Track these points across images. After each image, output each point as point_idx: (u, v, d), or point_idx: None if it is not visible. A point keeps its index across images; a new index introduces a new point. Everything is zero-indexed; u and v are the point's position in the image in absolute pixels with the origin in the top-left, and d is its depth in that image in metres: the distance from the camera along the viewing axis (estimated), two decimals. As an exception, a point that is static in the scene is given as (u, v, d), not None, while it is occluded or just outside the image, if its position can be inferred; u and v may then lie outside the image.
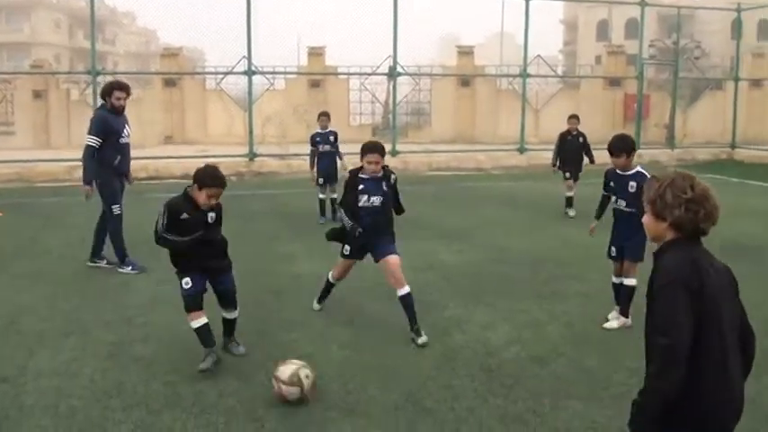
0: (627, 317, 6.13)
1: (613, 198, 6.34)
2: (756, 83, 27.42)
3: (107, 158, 7.98)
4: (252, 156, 18.41)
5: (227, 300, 5.50)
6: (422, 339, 5.69)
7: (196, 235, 5.21)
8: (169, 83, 24.55)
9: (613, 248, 6.33)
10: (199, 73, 25.88)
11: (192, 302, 5.22)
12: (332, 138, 11.34)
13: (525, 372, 5.13)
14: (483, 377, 5.04)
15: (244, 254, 8.86)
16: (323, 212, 11.27)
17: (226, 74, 22.19)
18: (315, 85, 26.53)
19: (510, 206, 13.11)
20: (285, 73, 25.98)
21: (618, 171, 6.31)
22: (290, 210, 12.50)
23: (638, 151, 21.17)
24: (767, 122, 27.54)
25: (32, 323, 6.24)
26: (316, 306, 6.65)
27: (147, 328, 6.08)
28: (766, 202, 14.22)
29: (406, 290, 5.87)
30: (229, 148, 19.80)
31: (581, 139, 12.35)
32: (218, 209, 5.47)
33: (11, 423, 4.38)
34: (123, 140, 8.15)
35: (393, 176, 6.27)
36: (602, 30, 59.38)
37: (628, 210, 6.15)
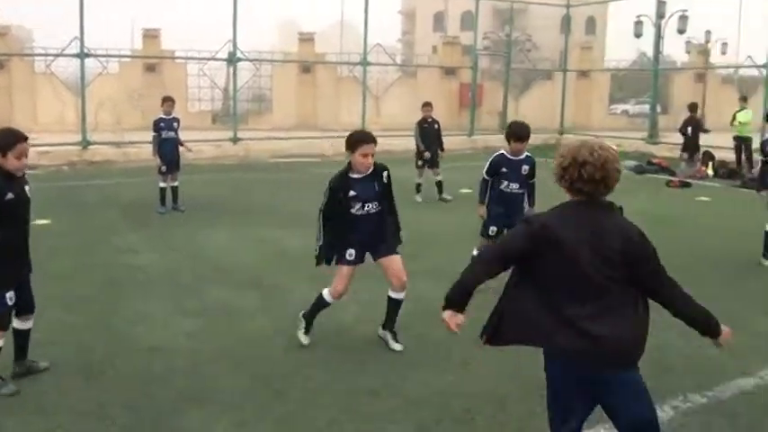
0: None
1: (504, 182, 6.71)
2: (583, 74, 29.55)
3: None
4: (85, 144, 17.43)
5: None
6: (397, 346, 5.30)
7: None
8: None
9: (494, 228, 6.75)
10: (28, 54, 24.07)
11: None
12: (176, 124, 11.05)
13: (375, 348, 5.30)
14: (334, 355, 5.15)
15: (79, 247, 8.48)
16: (163, 202, 10.92)
17: (56, 56, 20.76)
18: (150, 69, 25.52)
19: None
20: (120, 56, 24.77)
21: (510, 156, 6.70)
22: (128, 200, 11.98)
23: (473, 136, 22.37)
24: (593, 110, 29.86)
25: None
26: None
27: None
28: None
29: (402, 295, 5.38)
30: (61, 135, 18.67)
31: (436, 126, 12.83)
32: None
33: None
34: None
35: (386, 172, 5.44)
36: (439, 21, 61.41)
37: (519, 191, 6.71)
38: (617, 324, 2.87)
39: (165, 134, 10.88)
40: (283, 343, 5.39)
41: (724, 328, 3.15)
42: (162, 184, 10.94)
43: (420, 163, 12.64)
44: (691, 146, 16.32)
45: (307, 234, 9.17)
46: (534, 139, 23.55)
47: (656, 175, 17.03)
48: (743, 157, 17.26)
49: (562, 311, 2.90)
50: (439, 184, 12.63)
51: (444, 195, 12.60)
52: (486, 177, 6.87)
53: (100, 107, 20.90)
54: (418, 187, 12.54)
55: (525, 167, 6.70)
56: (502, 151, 6.80)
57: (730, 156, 17.65)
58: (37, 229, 9.32)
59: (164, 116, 10.96)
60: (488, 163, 6.86)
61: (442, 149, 12.84)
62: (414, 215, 10.91)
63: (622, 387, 2.94)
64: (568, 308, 2.89)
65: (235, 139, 19.34)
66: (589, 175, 2.90)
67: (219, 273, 7.34)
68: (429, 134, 12.71)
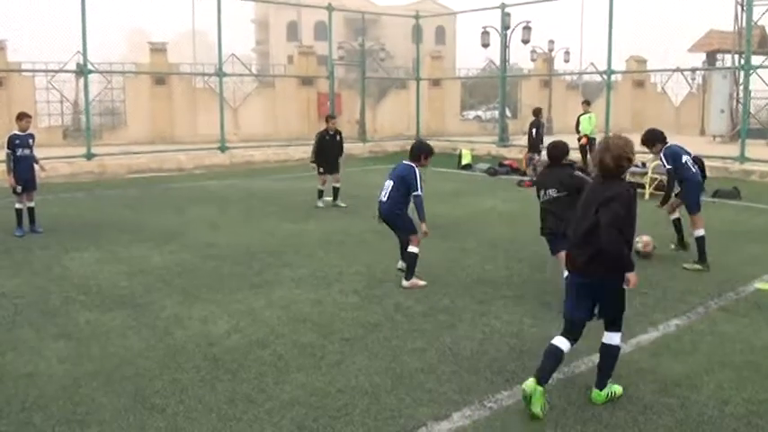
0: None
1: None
2: (436, 82, 30.77)
3: None
4: None
5: None
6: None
7: None
8: None
9: None
10: None
11: None
12: (31, 141, 10.59)
13: (248, 355, 5.49)
14: (208, 366, 5.29)
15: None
16: (20, 224, 10.45)
17: None
18: (-6, 83, 24.04)
19: (216, 204, 13.31)
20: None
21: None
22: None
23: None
24: (446, 116, 31.17)
25: None
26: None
27: None
28: (449, 185, 16.16)
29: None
30: None
31: (338, 137, 13.45)
32: None
33: None
34: None
35: None
36: (293, 31, 61.59)
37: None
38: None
39: (20, 152, 10.41)
40: (156, 359, 5.46)
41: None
42: (18, 206, 10.49)
43: (321, 170, 13.21)
44: (535, 146, 17.56)
45: (172, 250, 9.24)
46: (392, 146, 24.40)
47: (507, 176, 18.12)
48: (588, 157, 18.72)
49: None
50: (335, 190, 13.19)
51: (338, 202, 13.13)
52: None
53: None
54: (320, 193, 13.11)
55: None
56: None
57: (577, 155, 19.05)
58: None
59: (19, 132, 10.48)
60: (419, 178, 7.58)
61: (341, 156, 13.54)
62: (271, 224, 11.13)
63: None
64: None
65: (89, 155, 18.64)
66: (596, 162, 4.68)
67: (87, 294, 7.22)
68: (330, 145, 13.31)
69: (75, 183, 17.11)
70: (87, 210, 12.94)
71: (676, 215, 9.15)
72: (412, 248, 7.53)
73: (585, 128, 18.59)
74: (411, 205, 7.64)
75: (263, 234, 10.37)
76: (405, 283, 7.47)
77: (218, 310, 6.65)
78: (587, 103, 19.54)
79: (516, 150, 22.34)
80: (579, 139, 18.91)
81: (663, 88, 36.04)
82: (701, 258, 8.32)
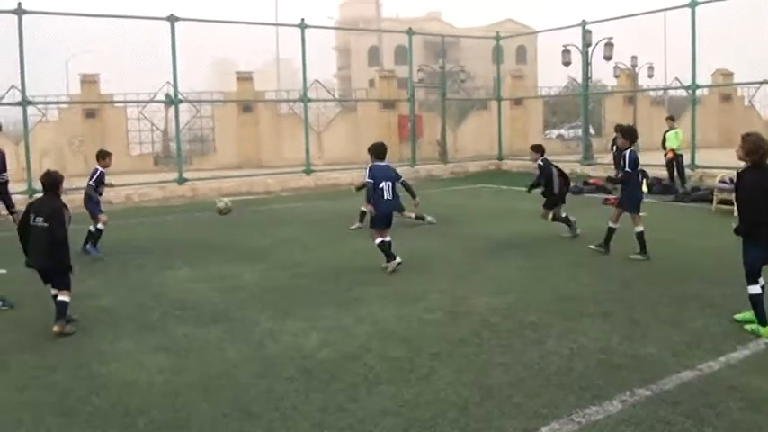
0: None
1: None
2: (518, 101, 30.65)
3: None
4: (31, 192, 17.29)
5: None
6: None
7: None
8: (-69, 118, 22.20)
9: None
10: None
11: None
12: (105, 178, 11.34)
13: (339, 368, 5.63)
14: (301, 377, 5.46)
15: (37, 293, 8.52)
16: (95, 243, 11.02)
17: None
18: (91, 114, 25.45)
19: (303, 225, 13.65)
20: (63, 102, 24.70)
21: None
22: (79, 246, 11.99)
23: (416, 167, 22.96)
24: (529, 136, 30.91)
25: None
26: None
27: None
28: (533, 204, 16.00)
29: None
30: (0, 186, 18.44)
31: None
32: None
33: None
34: None
35: None
36: (374, 55, 62.53)
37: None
38: None
39: (101, 188, 11.24)
40: (252, 371, 5.67)
41: None
42: (99, 227, 11.04)
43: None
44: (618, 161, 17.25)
45: (263, 268, 9.55)
46: (475, 166, 24.41)
47: (592, 195, 17.85)
48: (675, 173, 18.33)
49: None
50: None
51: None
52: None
53: (44, 155, 20.79)
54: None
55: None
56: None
57: (663, 172, 18.66)
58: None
59: (101, 170, 11.17)
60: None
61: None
62: (355, 243, 11.31)
63: None
64: None
65: (181, 180, 19.46)
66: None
67: (183, 310, 7.56)
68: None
69: (168, 206, 17.88)
70: (180, 231, 13.51)
71: None
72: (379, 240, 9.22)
73: (672, 143, 18.20)
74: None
75: (350, 253, 10.58)
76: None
77: (308, 325, 6.84)
78: (672, 118, 19.11)
79: (601, 169, 21.96)
80: (666, 155, 18.50)
81: (750, 101, 34.76)
82: None
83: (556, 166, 11.96)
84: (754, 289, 6.28)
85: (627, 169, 9.67)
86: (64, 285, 6.90)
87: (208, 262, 10.17)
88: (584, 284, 8.25)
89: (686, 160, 18.96)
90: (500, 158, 26.27)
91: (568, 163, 23.61)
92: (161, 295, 8.32)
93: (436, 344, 6.19)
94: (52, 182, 7.03)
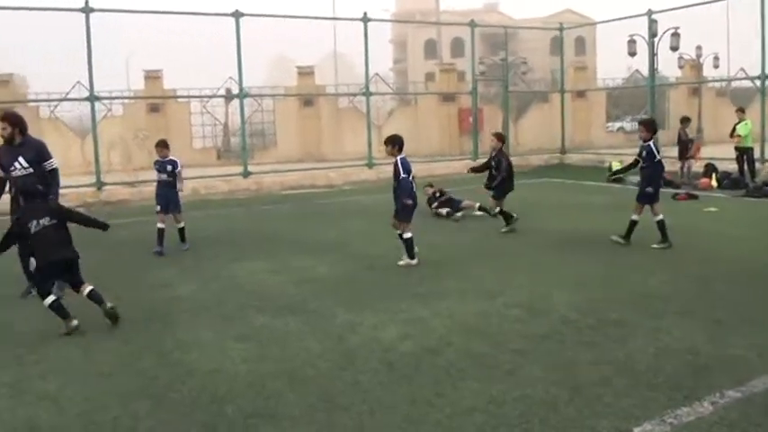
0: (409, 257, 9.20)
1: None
2: (580, 93, 30.09)
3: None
4: (99, 185, 17.79)
5: None
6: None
7: None
8: (0, 113, 23.00)
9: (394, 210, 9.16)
10: (34, 100, 24.48)
11: None
12: (170, 167, 11.19)
13: (422, 362, 5.60)
14: (385, 370, 5.44)
15: (116, 283, 8.78)
16: (160, 242, 10.96)
17: (61, 100, 21.24)
18: (154, 109, 26.01)
19: (369, 218, 13.67)
20: (128, 98, 25.32)
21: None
22: (151, 237, 12.21)
23: (477, 160, 22.67)
24: (592, 129, 30.34)
25: None
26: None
27: (43, 366, 5.92)
28: (599, 198, 15.78)
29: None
30: (69, 178, 18.99)
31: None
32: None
33: None
34: (15, 173, 8.08)
35: None
36: (430, 48, 62.26)
37: (393, 183, 9.43)
38: None
39: (158, 177, 11.21)
40: (335, 362, 5.69)
41: None
42: (159, 225, 11.02)
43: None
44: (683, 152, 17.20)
45: (335, 261, 9.59)
46: (537, 160, 24.14)
47: (660, 190, 17.38)
48: (745, 167, 17.78)
49: None
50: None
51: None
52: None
53: (111, 148, 21.33)
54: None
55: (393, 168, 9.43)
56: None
57: (733, 166, 18.13)
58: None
59: (159, 158, 11.23)
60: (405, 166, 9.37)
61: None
62: (428, 237, 11.29)
63: None
64: None
65: (245, 174, 19.73)
66: None
67: (260, 300, 7.65)
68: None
69: (233, 199, 18.16)
70: (248, 223, 13.69)
71: None
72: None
73: (742, 136, 17.71)
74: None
75: (420, 246, 10.51)
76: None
77: (386, 317, 6.83)
78: (742, 110, 18.53)
79: (668, 163, 21.39)
80: (735, 147, 18.02)
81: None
82: None
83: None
84: None
85: (658, 158, 10.11)
86: (81, 280, 7.13)
87: (279, 254, 10.27)
88: (663, 282, 8.03)
89: (756, 153, 18.38)
90: (563, 152, 25.87)
91: (632, 156, 23.10)
92: (236, 286, 8.43)
93: (518, 340, 6.10)
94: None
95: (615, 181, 19.34)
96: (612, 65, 38.11)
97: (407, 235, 9.21)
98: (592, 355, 5.70)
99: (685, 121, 18.68)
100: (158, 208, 11.11)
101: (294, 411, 4.77)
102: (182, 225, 11.26)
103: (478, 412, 4.66)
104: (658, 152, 10.13)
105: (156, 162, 11.24)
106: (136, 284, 8.73)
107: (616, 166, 19.92)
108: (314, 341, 6.21)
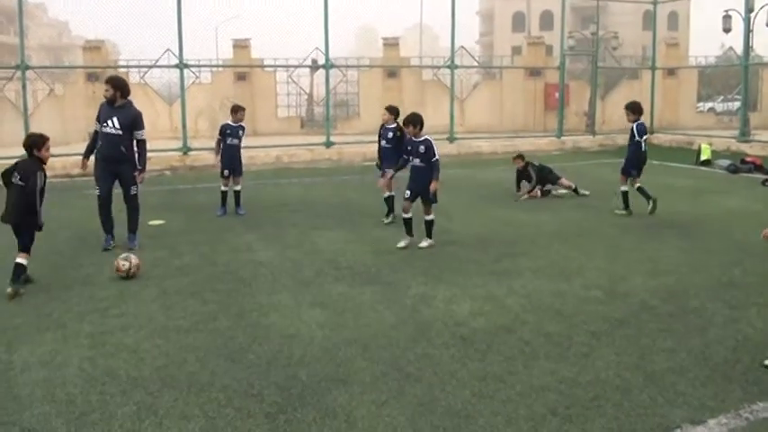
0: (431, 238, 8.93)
1: (411, 158, 8.83)
2: (671, 71, 28.93)
3: (96, 145, 8.90)
4: (186, 150, 18.34)
5: None
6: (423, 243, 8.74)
7: None
8: (92, 77, 23.97)
9: (408, 192, 8.83)
10: (126, 66, 25.30)
11: None
12: (241, 132, 11.54)
13: (494, 338, 5.60)
14: (457, 345, 5.48)
15: (198, 245, 9.11)
16: (223, 204, 11.41)
17: (151, 67, 21.90)
18: (241, 77, 26.48)
19: (447, 193, 13.55)
20: (215, 66, 25.87)
21: (413, 138, 8.80)
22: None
23: (563, 138, 22.38)
24: (682, 108, 29.19)
25: (2, 320, 6.25)
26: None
27: (124, 319, 6.22)
28: (687, 181, 15.24)
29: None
30: (156, 142, 19.66)
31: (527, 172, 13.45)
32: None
33: (10, 413, 4.46)
34: (105, 130, 8.76)
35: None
36: (518, 21, 61.04)
37: (421, 165, 8.73)
38: None
39: (229, 141, 11.42)
40: (408, 333, 5.76)
41: None
42: (223, 188, 11.47)
43: None
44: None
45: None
46: (623, 140, 23.29)
47: (749, 174, 16.69)
48: None
49: None
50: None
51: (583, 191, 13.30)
52: (403, 156, 9.08)
53: (199, 115, 21.90)
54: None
55: (422, 147, 8.71)
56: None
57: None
58: (153, 229, 10.13)
59: (232, 123, 11.47)
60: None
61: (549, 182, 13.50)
62: (508, 213, 11.19)
63: None
64: None
65: (328, 143, 19.95)
66: None
67: (337, 269, 7.79)
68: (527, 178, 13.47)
69: (315, 168, 18.42)
70: (329, 193, 13.87)
71: None
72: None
73: None
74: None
75: (497, 223, 10.49)
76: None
77: (460, 292, 6.86)
78: None
79: (759, 147, 20.47)
80: None
81: None
82: None
83: None
84: None
85: (636, 138, 11.03)
86: (24, 248, 7.12)
87: (358, 224, 10.40)
88: (749, 271, 7.71)
89: None
90: (651, 132, 24.97)
91: (723, 139, 22.18)
92: (315, 253, 8.60)
93: (594, 322, 6.02)
94: (31, 143, 7.20)
95: (704, 164, 18.66)
96: (706, 42, 36.53)
97: (431, 217, 8.96)
98: (669, 342, 5.58)
99: None
100: (226, 172, 11.44)
101: (365, 378, 4.87)
102: (240, 188, 11.59)
103: (550, 392, 4.65)
104: (637, 134, 11.04)
105: (228, 126, 11.49)
106: (217, 247, 9.02)
107: (705, 149, 19.15)
108: (388, 312, 6.30)
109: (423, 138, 8.75)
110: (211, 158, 12.42)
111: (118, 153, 8.74)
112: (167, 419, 4.33)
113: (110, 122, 8.69)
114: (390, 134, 10.39)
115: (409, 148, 8.85)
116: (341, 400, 4.55)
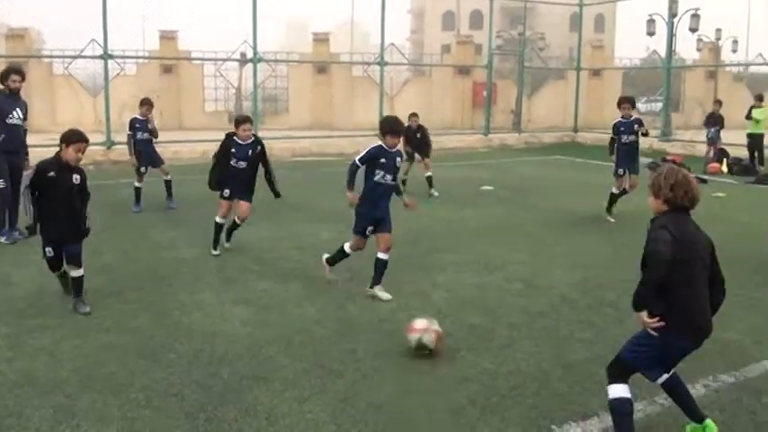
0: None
1: (379, 173, 6.58)
2: (596, 72, 29.76)
3: None
4: (110, 144, 17.82)
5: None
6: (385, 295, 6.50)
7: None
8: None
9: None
10: (48, 56, 24.48)
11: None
12: (149, 125, 11.32)
13: (418, 333, 5.63)
14: (381, 340, 5.49)
15: (120, 243, 8.86)
16: (138, 200, 11.22)
17: (76, 57, 21.18)
18: (167, 70, 25.92)
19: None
20: (141, 57, 25.20)
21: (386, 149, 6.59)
22: (159, 198, 12.29)
23: (489, 135, 22.78)
24: (606, 108, 30.05)
25: None
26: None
27: (41, 320, 5.99)
28: (610, 179, 15.65)
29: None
30: (81, 136, 19.07)
31: (418, 135, 13.67)
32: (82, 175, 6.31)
33: None
34: (10, 121, 8.64)
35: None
36: (448, 20, 61.65)
37: (392, 183, 6.70)
38: None
39: (139, 135, 11.22)
40: (332, 329, 5.74)
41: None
42: (137, 185, 11.23)
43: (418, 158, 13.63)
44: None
45: (340, 229, 9.57)
46: (549, 137, 24.04)
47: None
48: (755, 153, 17.69)
49: None
50: (429, 179, 13.40)
51: (432, 191, 13.29)
52: (358, 164, 6.59)
53: (123, 108, 21.30)
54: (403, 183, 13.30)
55: (398, 159, 6.71)
56: (380, 143, 6.58)
57: (744, 153, 18.03)
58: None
59: (140, 117, 11.25)
60: (366, 152, 6.60)
61: (427, 155, 13.66)
62: (431, 210, 11.30)
63: None
64: None
65: (256, 139, 19.71)
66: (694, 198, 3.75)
67: (262, 265, 7.71)
68: (414, 140, 13.58)
69: (243, 163, 18.14)
70: (257, 189, 13.65)
71: None
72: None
73: (757, 120, 17.62)
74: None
75: (426, 219, 10.54)
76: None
77: (386, 289, 6.85)
78: (760, 98, 18.37)
79: (680, 146, 21.27)
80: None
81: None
82: None
83: None
84: None
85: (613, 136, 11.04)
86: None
87: (285, 220, 10.30)
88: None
89: (766, 141, 18.26)
90: (575, 130, 25.69)
91: (646, 138, 22.93)
92: (239, 250, 8.48)
93: (515, 315, 6.14)
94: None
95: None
96: (631, 44, 37.70)
97: None
98: (587, 333, 5.74)
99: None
100: (143, 169, 11.22)
101: (288, 375, 4.83)
102: (170, 177, 11.40)
103: (471, 383, 4.72)
104: (613, 130, 11.09)
105: (138, 121, 11.24)
106: (138, 245, 8.80)
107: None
108: (312, 309, 6.26)
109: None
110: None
111: (21, 144, 8.85)
112: (85, 422, 4.19)
113: (15, 113, 8.70)
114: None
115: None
116: (262, 397, 4.50)
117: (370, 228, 6.69)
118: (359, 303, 6.42)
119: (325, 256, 7.15)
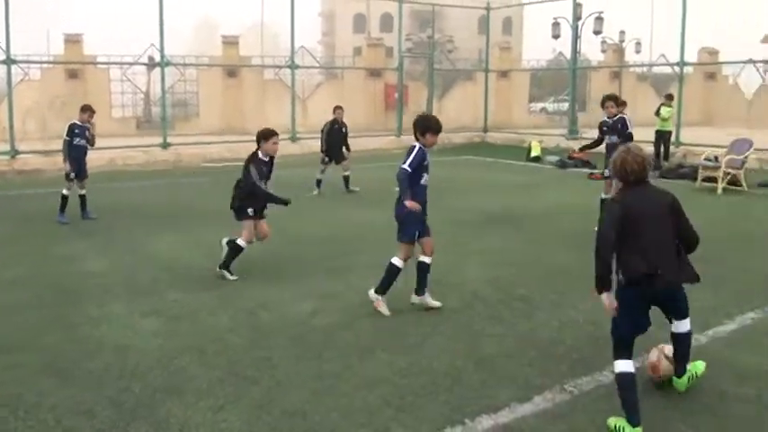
0: None
1: (424, 176, 6.29)
2: (504, 74, 30.50)
3: None
4: (13, 153, 17.08)
5: None
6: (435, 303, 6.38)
7: None
8: None
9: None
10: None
11: None
12: (87, 133, 10.99)
13: (332, 336, 5.68)
14: (295, 345, 5.49)
15: (25, 256, 8.52)
16: (63, 210, 10.82)
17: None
18: (73, 75, 24.99)
19: (289, 193, 13.53)
20: (48, 62, 24.24)
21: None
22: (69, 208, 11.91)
23: (401, 137, 22.90)
24: (514, 109, 30.89)
25: None
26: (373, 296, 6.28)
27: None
28: (518, 177, 16.14)
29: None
30: (-19, 146, 18.24)
31: (344, 130, 13.82)
32: None
33: None
34: None
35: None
36: (358, 23, 61.92)
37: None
38: None
39: (77, 141, 10.87)
40: (246, 336, 5.70)
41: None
42: (65, 192, 10.86)
43: (326, 160, 13.77)
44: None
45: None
46: (459, 138, 24.48)
47: (577, 169, 17.97)
48: (661, 149, 18.63)
49: None
50: (346, 178, 13.72)
51: (351, 187, 13.69)
52: (409, 170, 6.13)
53: (27, 115, 20.44)
54: (318, 183, 13.60)
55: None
56: (418, 145, 6.27)
57: (649, 148, 18.92)
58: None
59: (78, 123, 10.91)
60: (413, 156, 6.18)
61: (348, 150, 13.97)
62: (344, 212, 11.36)
63: None
64: None
65: (165, 145, 19.28)
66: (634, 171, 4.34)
67: (172, 275, 7.56)
68: (336, 135, 13.74)
69: (152, 171, 17.75)
70: (165, 196, 13.42)
71: None
72: None
73: (664, 119, 18.53)
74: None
75: (336, 221, 10.62)
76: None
77: (299, 292, 6.88)
78: (670, 97, 19.35)
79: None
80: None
81: (735, 81, 34.89)
82: None
83: None
84: None
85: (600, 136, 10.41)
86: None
87: (195, 228, 10.15)
88: (574, 259, 8.30)
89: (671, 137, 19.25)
90: (485, 131, 26.28)
91: (553, 137, 23.71)
92: (149, 260, 8.30)
93: (428, 313, 6.25)
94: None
95: (533, 160, 19.88)
96: (538, 46, 38.84)
97: None
98: (498, 328, 5.90)
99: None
100: (73, 175, 10.83)
101: (201, 385, 4.77)
102: (85, 191, 11.08)
103: (385, 384, 4.78)
104: (599, 130, 10.34)
105: (77, 126, 10.87)
106: (44, 258, 8.49)
107: (536, 146, 20.41)
108: (225, 317, 6.20)
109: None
110: (59, 162, 11.59)
111: None
112: (-13, 447, 4.03)
113: None
114: None
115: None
116: (175, 410, 4.43)
117: (417, 233, 6.39)
118: (272, 310, 6.40)
119: (371, 291, 6.41)
